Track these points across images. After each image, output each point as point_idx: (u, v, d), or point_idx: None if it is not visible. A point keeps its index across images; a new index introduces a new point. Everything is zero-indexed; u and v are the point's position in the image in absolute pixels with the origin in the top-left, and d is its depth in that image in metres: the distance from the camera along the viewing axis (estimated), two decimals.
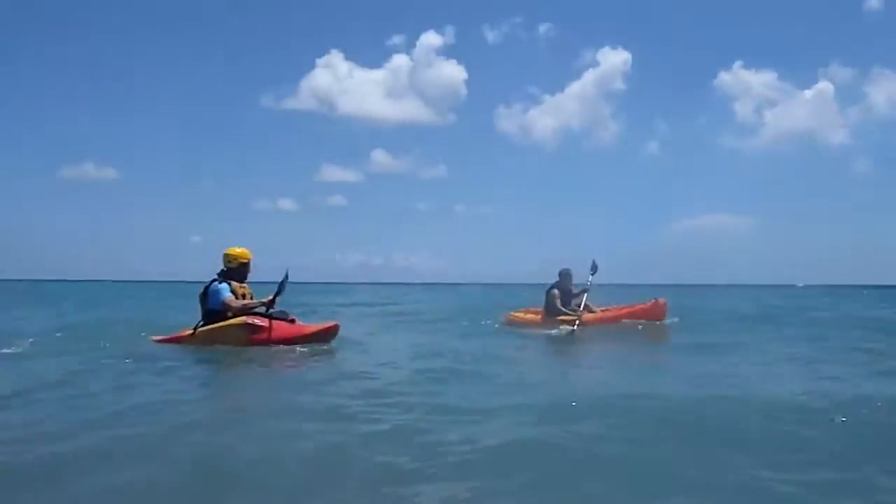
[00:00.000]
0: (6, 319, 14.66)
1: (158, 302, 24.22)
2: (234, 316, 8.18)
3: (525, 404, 5.00)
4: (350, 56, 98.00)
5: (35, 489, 3.27)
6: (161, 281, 75.91)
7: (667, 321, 12.32)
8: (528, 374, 7.18)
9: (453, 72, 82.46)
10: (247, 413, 5.15)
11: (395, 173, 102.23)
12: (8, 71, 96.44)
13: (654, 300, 12.47)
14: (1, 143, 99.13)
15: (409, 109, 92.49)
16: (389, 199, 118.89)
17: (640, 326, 11.74)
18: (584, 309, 11.74)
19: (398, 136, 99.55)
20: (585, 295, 11.96)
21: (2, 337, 9.42)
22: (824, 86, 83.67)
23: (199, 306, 8.52)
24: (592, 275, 12.21)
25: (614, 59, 79.26)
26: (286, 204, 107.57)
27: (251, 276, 8.68)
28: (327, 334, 8.30)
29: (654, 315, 12.20)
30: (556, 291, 12.17)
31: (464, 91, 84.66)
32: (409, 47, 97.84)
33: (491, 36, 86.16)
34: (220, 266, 8.53)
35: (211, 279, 8.43)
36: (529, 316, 12.74)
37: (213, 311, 8.28)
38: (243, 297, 8.38)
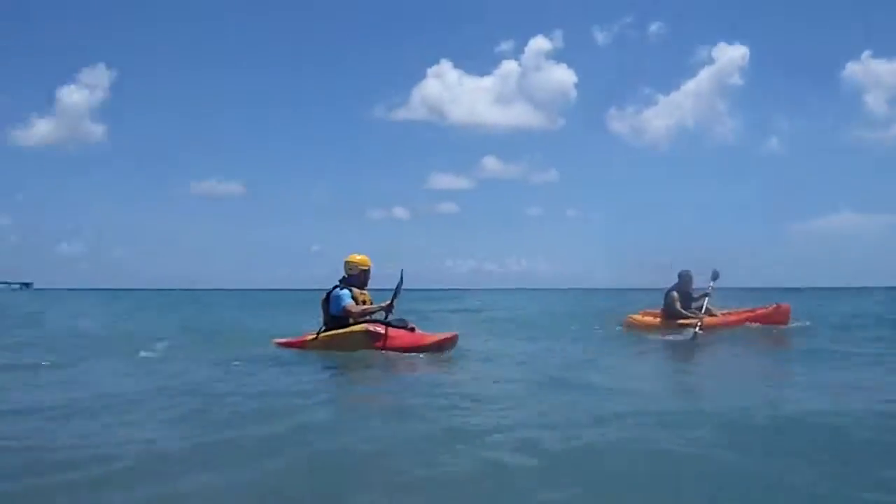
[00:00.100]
0: (144, 325, 15.80)
1: (282, 309, 25.19)
2: (355, 321, 8.40)
3: (642, 411, 4.89)
4: (459, 64, 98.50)
5: (170, 479, 3.48)
6: (284, 289, 79.14)
7: (791, 325, 11.90)
8: (646, 381, 7.04)
9: (563, 75, 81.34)
10: (364, 415, 5.28)
11: (506, 179, 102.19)
12: (146, 105, 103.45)
13: (776, 304, 12.17)
14: (137, 160, 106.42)
15: (519, 115, 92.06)
16: (500, 205, 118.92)
17: (771, 331, 11.36)
18: (705, 312, 11.42)
19: (508, 142, 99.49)
20: (707, 298, 11.63)
21: (140, 341, 10.23)
22: None
23: (320, 312, 8.78)
24: (713, 282, 11.90)
25: (731, 53, 75.64)
26: (399, 212, 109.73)
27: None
28: (446, 344, 8.28)
29: (777, 320, 11.84)
30: (675, 294, 11.91)
31: (574, 94, 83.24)
32: (517, 53, 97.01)
33: (601, 37, 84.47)
34: (340, 273, 8.75)
35: (333, 286, 8.66)
36: (648, 318, 12.53)
37: (335, 316, 8.53)
38: (363, 303, 8.57)
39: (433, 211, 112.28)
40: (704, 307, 11.50)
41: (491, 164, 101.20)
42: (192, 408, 5.33)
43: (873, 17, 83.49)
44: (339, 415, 5.45)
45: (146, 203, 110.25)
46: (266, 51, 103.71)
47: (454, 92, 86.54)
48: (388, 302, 8.42)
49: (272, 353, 8.67)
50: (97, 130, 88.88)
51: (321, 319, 8.77)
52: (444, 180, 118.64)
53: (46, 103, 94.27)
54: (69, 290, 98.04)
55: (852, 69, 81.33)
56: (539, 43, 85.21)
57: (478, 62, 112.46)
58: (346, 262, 8.75)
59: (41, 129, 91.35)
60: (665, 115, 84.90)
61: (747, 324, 11.76)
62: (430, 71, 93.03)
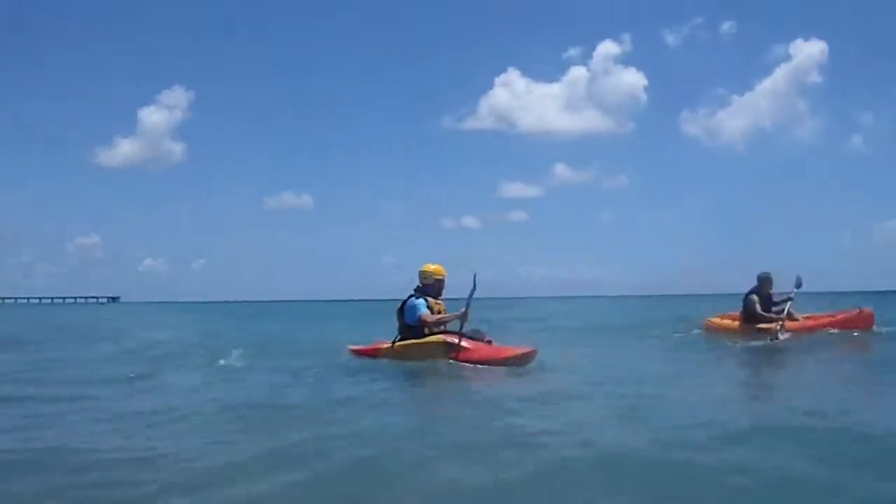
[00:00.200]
0: (221, 335, 16.32)
1: (352, 319, 25.58)
2: (430, 331, 8.45)
3: (720, 421, 4.80)
4: (527, 72, 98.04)
5: (242, 481, 3.63)
6: (358, 300, 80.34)
7: (875, 331, 11.50)
8: (725, 390, 6.92)
9: (632, 79, 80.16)
10: (434, 425, 5.33)
11: (576, 185, 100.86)
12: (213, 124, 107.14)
13: (859, 308, 11.80)
14: (213, 177, 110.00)
15: (588, 121, 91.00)
16: (571, 211, 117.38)
17: (853, 336, 10.98)
18: (785, 315, 11.12)
19: (578, 149, 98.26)
20: (790, 303, 11.31)
21: (218, 350, 10.66)
22: None
23: (395, 321, 8.85)
24: (797, 289, 11.61)
25: (808, 50, 73.14)
26: (469, 221, 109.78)
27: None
28: (524, 359, 8.02)
29: (859, 324, 11.47)
30: (755, 296, 11.64)
31: (644, 98, 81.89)
32: (585, 58, 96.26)
33: (671, 39, 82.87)
34: (414, 283, 8.80)
35: (408, 295, 8.71)
36: (727, 322, 12.32)
37: (410, 325, 8.57)
38: (438, 312, 8.59)
39: (503, 219, 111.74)
40: (786, 311, 11.20)
41: (560, 171, 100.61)
42: (265, 414, 5.53)
43: None
44: (420, 423, 5.49)
45: (221, 218, 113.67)
46: (335, 65, 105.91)
47: (523, 100, 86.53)
48: (463, 310, 8.30)
49: (346, 362, 8.82)
50: (177, 149, 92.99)
51: (396, 328, 8.84)
52: (513, 188, 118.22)
53: (129, 124, 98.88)
54: (152, 302, 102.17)
55: None
56: (607, 47, 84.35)
57: (546, 69, 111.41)
58: (421, 272, 8.79)
59: (125, 149, 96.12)
60: (740, 115, 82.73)
61: (829, 329, 11.43)
62: (497, 80, 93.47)
